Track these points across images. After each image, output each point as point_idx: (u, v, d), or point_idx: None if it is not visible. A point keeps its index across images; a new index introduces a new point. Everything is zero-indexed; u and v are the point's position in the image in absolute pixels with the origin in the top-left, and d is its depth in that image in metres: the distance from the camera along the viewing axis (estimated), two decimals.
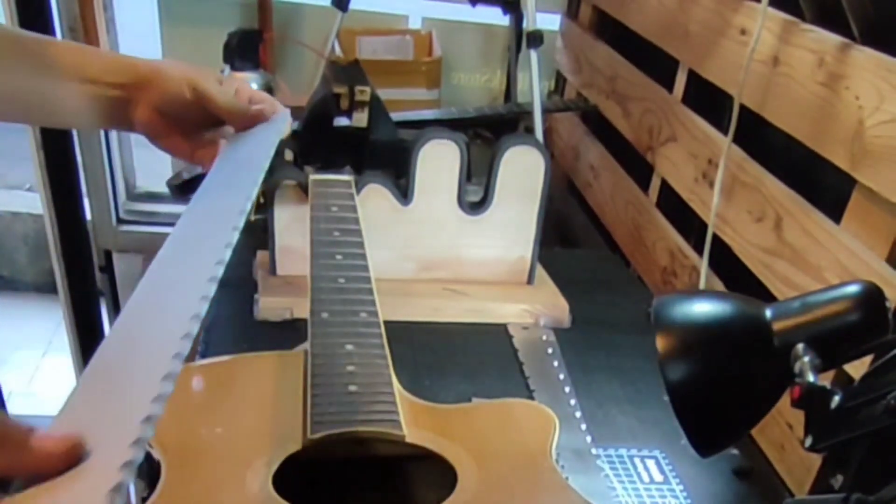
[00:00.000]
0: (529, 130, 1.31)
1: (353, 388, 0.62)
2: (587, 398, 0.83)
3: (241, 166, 0.64)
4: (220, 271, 0.45)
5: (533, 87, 1.27)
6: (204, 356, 0.83)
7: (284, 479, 0.54)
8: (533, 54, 1.27)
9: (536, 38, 1.27)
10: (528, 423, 0.64)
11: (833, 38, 0.76)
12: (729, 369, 0.51)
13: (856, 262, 0.70)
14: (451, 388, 0.82)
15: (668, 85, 1.13)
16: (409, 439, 0.59)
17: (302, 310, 0.89)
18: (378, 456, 0.62)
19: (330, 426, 0.57)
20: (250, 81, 1.13)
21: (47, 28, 1.47)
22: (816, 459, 0.72)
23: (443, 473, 0.58)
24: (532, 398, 0.80)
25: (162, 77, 0.68)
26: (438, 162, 0.91)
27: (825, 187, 0.80)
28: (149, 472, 0.58)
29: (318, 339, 0.65)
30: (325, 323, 0.67)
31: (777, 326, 0.50)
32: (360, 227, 0.77)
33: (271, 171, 0.97)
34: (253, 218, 0.92)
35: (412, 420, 0.61)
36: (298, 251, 0.88)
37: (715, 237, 0.93)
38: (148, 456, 0.57)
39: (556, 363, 0.88)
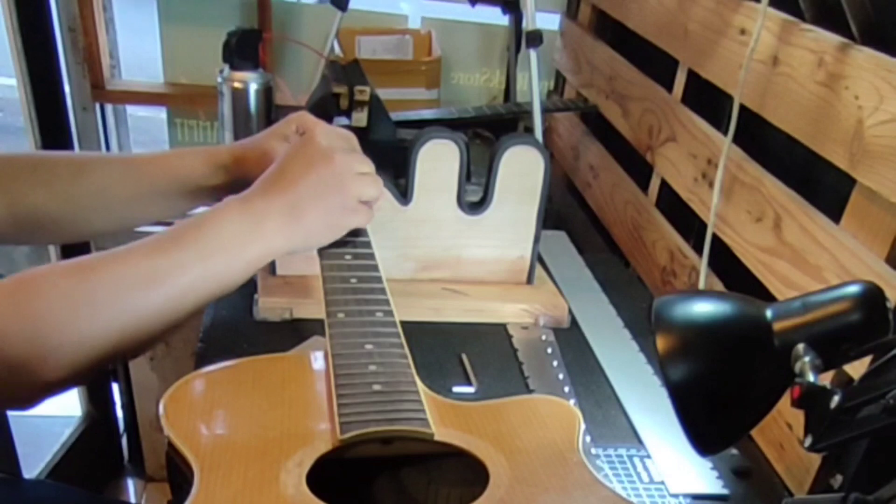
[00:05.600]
0: (529, 130, 1.31)
1: (377, 387, 0.62)
2: (586, 398, 0.84)
3: None
4: None
5: (532, 86, 1.27)
6: (203, 356, 0.83)
7: (316, 479, 0.54)
8: (532, 54, 1.27)
9: (536, 38, 1.27)
10: (552, 419, 0.64)
11: (833, 38, 0.76)
12: (729, 369, 0.51)
13: (855, 262, 0.70)
14: (450, 388, 0.82)
15: (668, 85, 1.13)
16: (437, 437, 0.59)
17: (301, 310, 0.90)
18: (407, 455, 0.62)
19: (359, 426, 0.58)
20: (250, 81, 1.13)
21: (47, 28, 1.47)
22: (816, 459, 0.72)
23: (472, 470, 0.59)
24: None
25: (247, 163, 0.80)
26: (438, 162, 0.91)
27: (825, 187, 0.80)
28: (174, 477, 0.58)
29: (337, 340, 0.65)
30: (342, 324, 0.67)
31: (777, 326, 0.50)
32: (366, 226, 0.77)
33: None
34: None
35: (438, 418, 0.61)
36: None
37: (714, 237, 0.93)
38: (171, 461, 0.57)
39: (555, 363, 0.88)
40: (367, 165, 0.74)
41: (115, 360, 0.60)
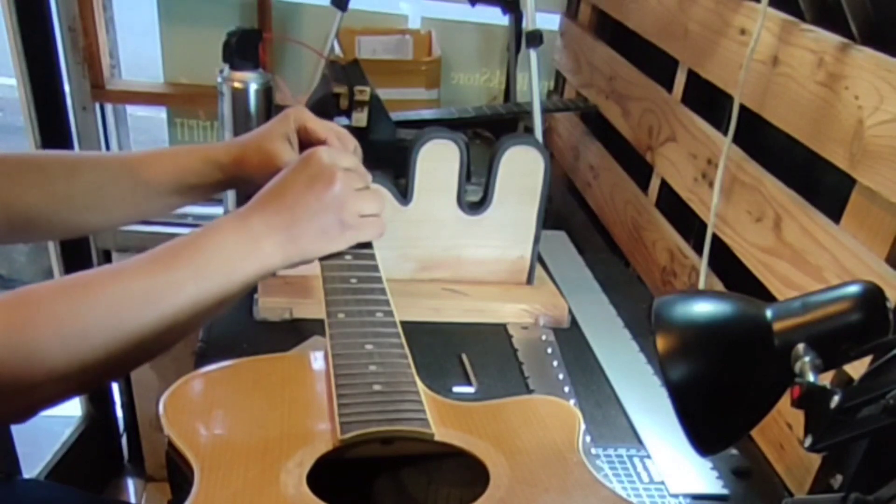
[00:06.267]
0: (529, 130, 1.31)
1: (377, 387, 0.62)
2: (586, 398, 0.84)
3: None
4: None
5: (532, 86, 1.27)
6: (203, 355, 0.83)
7: (316, 479, 0.54)
8: (532, 54, 1.27)
9: (536, 38, 1.27)
10: (552, 419, 0.64)
11: (833, 38, 0.76)
12: (729, 369, 0.51)
13: (855, 262, 0.70)
14: (450, 388, 0.82)
15: (668, 85, 1.13)
16: (437, 437, 0.60)
17: (301, 310, 0.90)
18: (407, 455, 0.62)
19: (359, 426, 0.58)
20: (250, 81, 1.13)
21: (47, 28, 1.47)
22: (816, 459, 0.72)
23: (472, 470, 0.59)
24: None
25: (247, 164, 0.80)
26: (438, 162, 0.91)
27: (825, 187, 0.80)
28: (174, 477, 0.58)
29: (337, 340, 0.65)
30: (342, 324, 0.67)
31: (777, 326, 0.50)
32: None
33: None
34: None
35: (438, 418, 0.61)
36: None
37: (714, 237, 0.93)
38: (171, 461, 0.57)
39: (555, 363, 0.88)
40: (365, 180, 0.75)
41: (113, 377, 0.59)
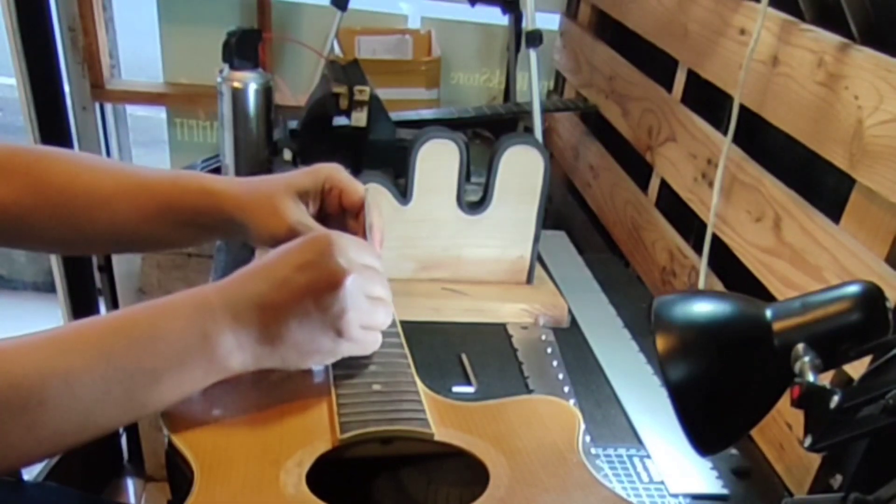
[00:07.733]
0: (529, 130, 1.31)
1: (377, 387, 0.62)
2: (586, 398, 0.84)
3: None
4: None
5: (532, 86, 1.27)
6: None
7: (316, 479, 0.55)
8: (532, 54, 1.27)
9: (535, 38, 1.27)
10: (552, 419, 0.64)
11: (832, 38, 0.76)
12: (729, 369, 0.51)
13: (855, 262, 0.70)
14: (450, 388, 0.82)
15: (668, 85, 1.13)
16: (437, 437, 0.60)
17: None
18: (407, 455, 0.62)
19: (359, 426, 0.58)
20: (250, 81, 1.13)
21: (47, 28, 1.47)
22: (815, 459, 0.72)
23: (472, 470, 0.59)
24: None
25: (254, 220, 0.70)
26: (438, 161, 0.91)
27: (824, 187, 0.80)
28: (174, 477, 0.58)
29: None
30: None
31: (777, 326, 0.50)
32: None
33: (271, 172, 0.97)
34: None
35: (438, 418, 0.61)
36: None
37: (714, 237, 0.93)
38: (171, 461, 0.57)
39: (555, 363, 0.88)
40: (384, 289, 0.64)
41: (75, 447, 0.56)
